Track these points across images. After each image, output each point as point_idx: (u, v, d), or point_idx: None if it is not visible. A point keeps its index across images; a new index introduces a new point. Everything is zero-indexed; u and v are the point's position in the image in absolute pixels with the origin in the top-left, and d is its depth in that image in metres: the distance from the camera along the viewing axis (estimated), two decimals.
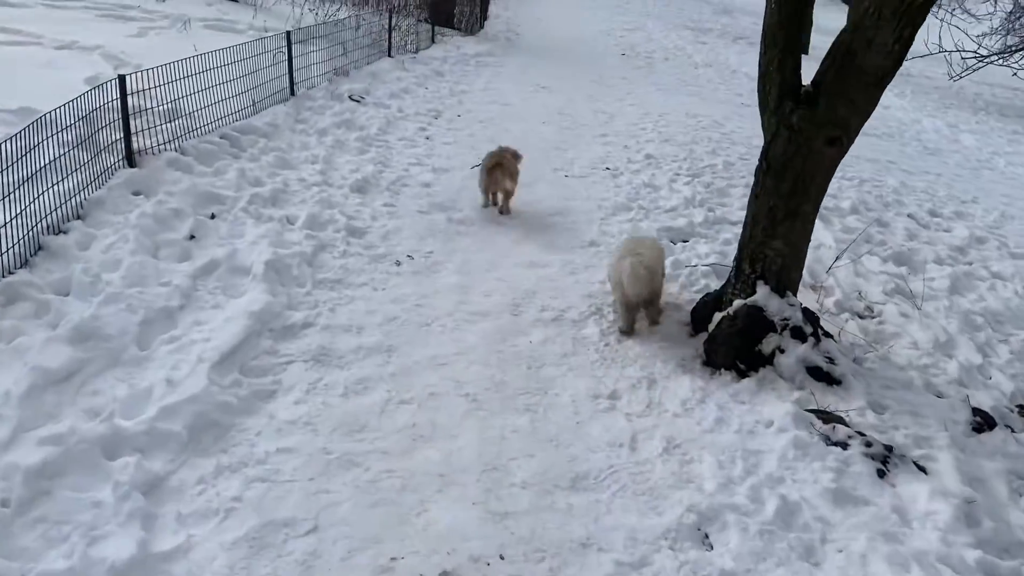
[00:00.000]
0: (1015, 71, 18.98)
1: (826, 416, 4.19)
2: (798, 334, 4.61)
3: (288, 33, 8.77)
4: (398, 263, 5.62)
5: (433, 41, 14.40)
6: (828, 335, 4.83)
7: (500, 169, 6.75)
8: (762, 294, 4.67)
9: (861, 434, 4.02)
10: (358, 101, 9.62)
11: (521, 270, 5.78)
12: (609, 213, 6.94)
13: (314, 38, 9.87)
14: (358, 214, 6.31)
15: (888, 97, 17.35)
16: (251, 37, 9.39)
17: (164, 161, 6.06)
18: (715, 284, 5.45)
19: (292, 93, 8.89)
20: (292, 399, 3.96)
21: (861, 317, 5.53)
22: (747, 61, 17.93)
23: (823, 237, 6.68)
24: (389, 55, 12.28)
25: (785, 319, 4.63)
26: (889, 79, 4.34)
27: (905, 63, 4.32)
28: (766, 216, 4.70)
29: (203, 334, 4.29)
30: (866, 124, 4.63)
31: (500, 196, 6.88)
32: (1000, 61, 19.12)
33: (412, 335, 4.69)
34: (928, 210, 8.27)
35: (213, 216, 5.69)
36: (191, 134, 6.68)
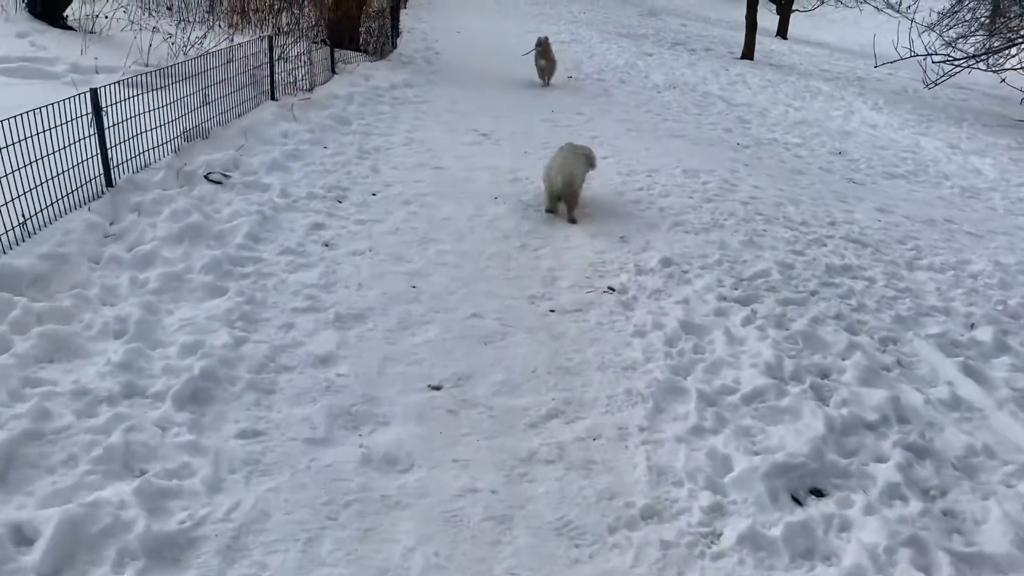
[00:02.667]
0: (1003, 77, 17.17)
1: None
2: None
3: (94, 94, 5.51)
4: None
5: (334, 72, 11.22)
6: None
7: None
8: None
9: None
10: (220, 182, 6.44)
11: None
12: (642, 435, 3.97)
13: (157, 88, 6.61)
14: (177, 482, 3.17)
15: (864, 111, 15.13)
16: (62, 91, 6.09)
17: None
18: None
19: (108, 184, 5.67)
20: None
21: None
22: (706, 77, 15.38)
23: None
24: (273, 98, 9.07)
25: None
26: None
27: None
28: None
29: None
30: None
31: None
32: (976, 64, 17.30)
33: None
34: None
35: None
36: None
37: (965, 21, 19.98)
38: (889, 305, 5.38)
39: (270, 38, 9.05)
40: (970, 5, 20.17)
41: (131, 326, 4.13)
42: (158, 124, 6.47)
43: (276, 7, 13.28)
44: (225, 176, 6.55)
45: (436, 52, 15.39)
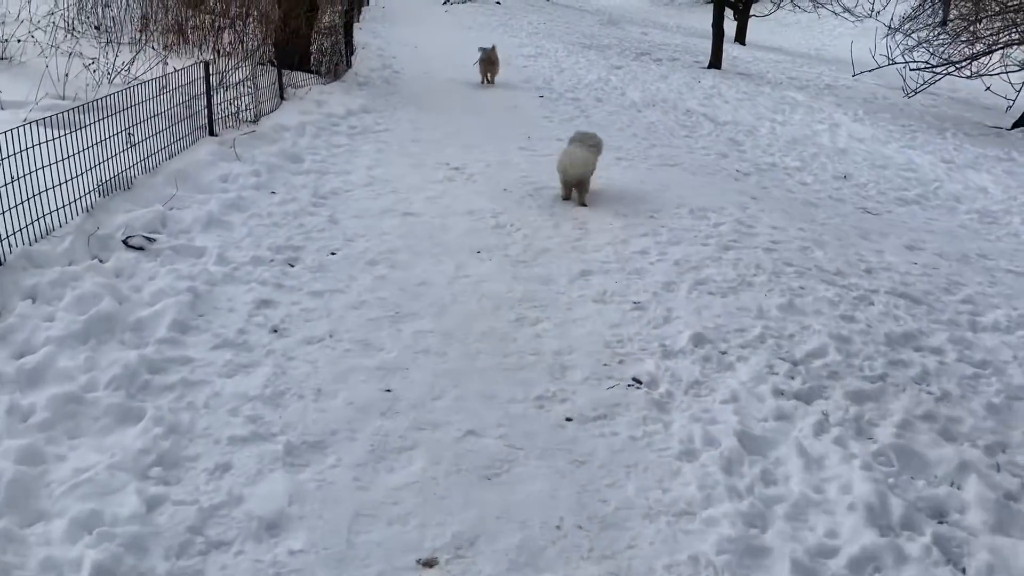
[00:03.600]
0: (988, 85, 16.58)
1: None
2: None
3: None
4: None
5: (283, 98, 10.03)
6: None
7: None
8: None
9: None
10: (142, 248, 5.24)
11: None
12: None
13: (69, 131, 5.36)
14: None
15: (847, 123, 14.38)
16: None
17: None
18: None
19: None
20: None
21: None
22: (681, 91, 14.50)
23: None
24: (211, 133, 7.87)
25: None
26: None
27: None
28: None
29: None
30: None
31: None
32: (955, 71, 16.75)
33: None
34: None
35: None
36: None
37: (927, 26, 19.56)
38: (973, 388, 4.40)
39: (206, 64, 7.84)
40: (929, 9, 19.76)
41: None
42: (68, 177, 5.24)
43: (217, 25, 12.05)
44: (149, 240, 5.35)
45: (394, 70, 14.25)
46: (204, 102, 7.84)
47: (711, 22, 20.50)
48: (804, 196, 8.37)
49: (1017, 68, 16.23)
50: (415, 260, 5.74)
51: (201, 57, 10.30)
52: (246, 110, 8.67)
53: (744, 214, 7.09)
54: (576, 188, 7.19)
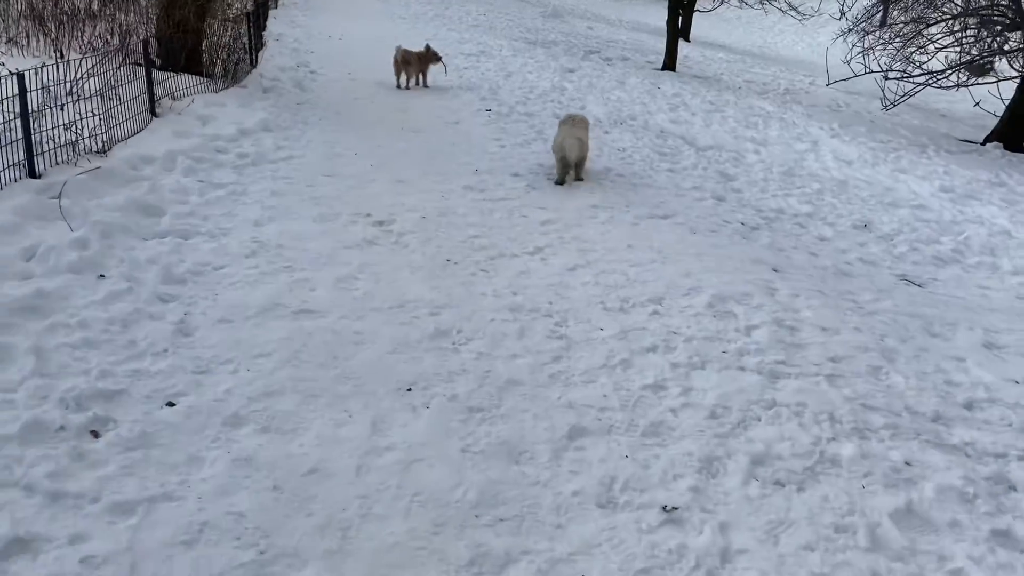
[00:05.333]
0: (977, 100, 15.21)
1: None
2: None
3: None
4: None
5: (154, 113, 7.69)
6: None
7: None
8: None
9: None
10: None
11: None
12: None
13: None
14: None
15: (826, 140, 12.75)
16: None
17: None
18: None
19: None
20: None
21: None
22: (644, 101, 12.64)
23: None
24: (32, 174, 5.55)
25: None
26: None
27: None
28: None
29: None
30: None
31: None
32: (937, 83, 15.43)
33: None
34: None
35: None
36: None
37: (867, 22, 18.49)
38: None
39: (20, 75, 5.48)
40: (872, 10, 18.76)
41: None
42: None
43: (79, 13, 9.57)
44: None
45: (310, 70, 11.92)
46: (20, 130, 5.50)
47: (665, 19, 18.92)
48: (832, 261, 6.49)
49: (1002, 79, 15.06)
50: (306, 413, 3.60)
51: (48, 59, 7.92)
52: (92, 136, 6.33)
53: (777, 304, 5.15)
54: (575, 168, 7.50)
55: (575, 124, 7.65)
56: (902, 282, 6.44)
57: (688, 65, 19.19)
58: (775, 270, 5.90)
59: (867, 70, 15.60)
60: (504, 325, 4.58)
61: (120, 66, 7.38)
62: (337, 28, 17.06)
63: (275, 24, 16.23)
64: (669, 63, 18.14)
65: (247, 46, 11.17)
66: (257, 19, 12.74)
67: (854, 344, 4.77)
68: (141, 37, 8.89)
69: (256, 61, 11.35)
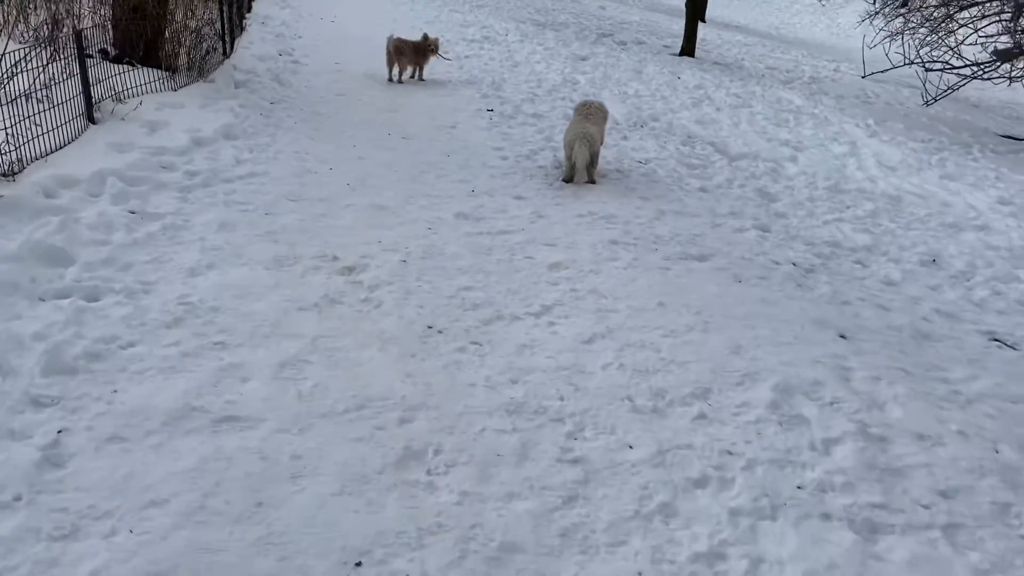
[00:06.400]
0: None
1: None
2: None
3: None
4: None
5: (91, 119, 6.47)
6: None
7: None
8: None
9: None
10: None
11: None
12: None
13: None
14: None
15: (864, 139, 11.49)
16: None
17: None
18: None
19: None
20: None
21: None
22: (665, 95, 11.39)
23: None
24: None
25: None
26: None
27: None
28: None
29: None
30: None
31: None
32: (985, 75, 14.14)
33: None
34: None
35: None
36: None
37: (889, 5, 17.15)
38: None
39: None
40: None
41: None
42: None
43: None
44: None
45: (293, 59, 10.67)
46: None
47: (684, 2, 17.64)
48: (907, 317, 5.27)
49: None
50: None
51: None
52: (7, 148, 5.12)
53: (856, 398, 3.95)
54: (587, 169, 6.78)
55: (588, 115, 6.95)
56: (994, 344, 5.22)
57: (707, 50, 17.97)
58: (843, 336, 4.70)
59: (907, 61, 14.26)
60: (499, 439, 3.40)
61: (50, 61, 6.16)
62: (331, 9, 15.76)
63: (262, 4, 14.93)
64: (687, 48, 16.96)
65: (223, 33, 9.91)
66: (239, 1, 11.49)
67: (965, 463, 3.58)
68: (85, 24, 7.65)
69: (230, 51, 10.09)
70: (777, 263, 5.70)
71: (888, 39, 15.78)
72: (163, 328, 3.96)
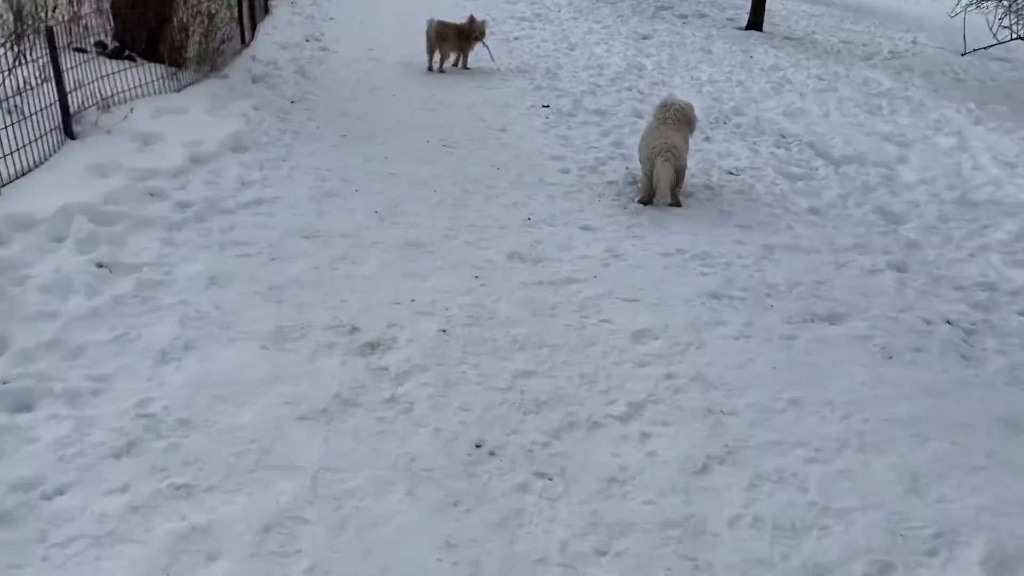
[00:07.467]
0: None
1: None
2: None
3: None
4: None
5: (69, 133, 5.36)
6: None
7: None
8: None
9: None
10: None
11: None
12: None
13: None
14: None
15: (970, 129, 9.93)
16: None
17: None
18: None
19: None
20: None
21: None
22: (741, 79, 9.99)
23: None
24: None
25: None
26: None
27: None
28: None
29: None
30: None
31: None
32: None
33: None
34: None
35: None
36: None
37: None
38: None
39: None
40: None
41: None
42: None
43: None
44: None
45: (322, 46, 9.49)
46: None
47: None
48: None
49: None
50: None
51: None
52: None
53: None
54: (670, 191, 5.51)
55: (667, 119, 5.64)
56: None
57: (774, 23, 16.42)
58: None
59: (1015, 36, 12.55)
60: None
61: (15, 64, 5.06)
62: None
63: None
64: (755, 21, 15.51)
65: (241, 19, 8.75)
66: None
67: None
68: (61, 15, 6.53)
69: (248, 39, 8.93)
70: (929, 323, 4.36)
71: (973, 6, 14.04)
72: (108, 460, 2.83)
